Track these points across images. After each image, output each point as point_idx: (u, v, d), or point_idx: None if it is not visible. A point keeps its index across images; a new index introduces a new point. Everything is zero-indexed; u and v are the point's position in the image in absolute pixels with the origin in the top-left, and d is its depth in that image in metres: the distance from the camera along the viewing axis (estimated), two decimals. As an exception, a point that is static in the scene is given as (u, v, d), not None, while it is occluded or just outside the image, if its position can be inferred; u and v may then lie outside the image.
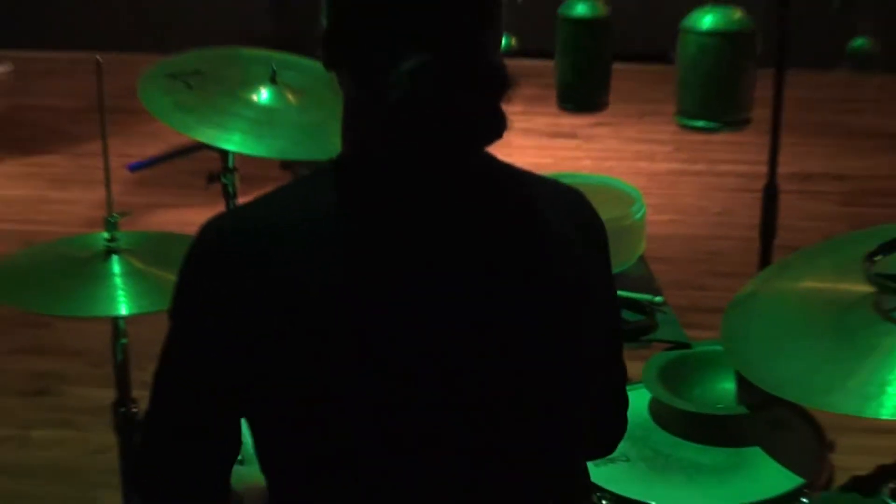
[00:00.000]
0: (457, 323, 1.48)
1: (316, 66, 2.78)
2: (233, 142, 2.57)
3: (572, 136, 5.50)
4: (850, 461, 2.37)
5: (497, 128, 1.46)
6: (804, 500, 2.07)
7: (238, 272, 1.44)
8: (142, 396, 2.50)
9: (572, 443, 1.62)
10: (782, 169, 2.72)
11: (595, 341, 1.62)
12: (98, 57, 2.40)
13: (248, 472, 1.71)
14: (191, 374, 1.50)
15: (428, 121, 1.43)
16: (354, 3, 1.49)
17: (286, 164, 4.09)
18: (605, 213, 1.69)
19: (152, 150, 2.78)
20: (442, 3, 1.46)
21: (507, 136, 1.49)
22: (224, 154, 2.68)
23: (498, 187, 1.56)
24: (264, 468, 1.55)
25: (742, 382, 2.28)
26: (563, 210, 1.60)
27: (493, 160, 1.55)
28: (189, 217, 4.18)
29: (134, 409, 2.57)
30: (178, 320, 1.49)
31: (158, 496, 1.60)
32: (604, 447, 1.82)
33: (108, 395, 2.63)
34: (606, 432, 1.79)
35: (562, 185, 1.65)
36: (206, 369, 1.48)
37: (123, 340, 2.53)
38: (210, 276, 1.47)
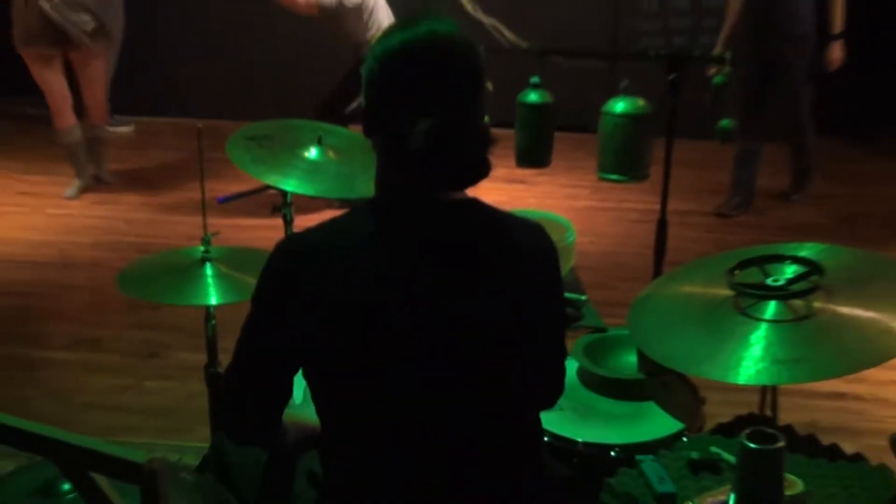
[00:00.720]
0: (449, 314, 1.49)
1: (348, 133, 2.82)
2: (290, 184, 2.56)
3: (522, 182, 5.54)
4: (716, 412, 2.39)
5: (485, 170, 1.48)
6: (684, 439, 2.07)
7: (292, 284, 1.48)
8: (224, 360, 2.51)
9: (527, 395, 1.62)
10: (668, 207, 2.73)
11: (546, 326, 1.63)
12: (199, 125, 2.41)
13: (295, 412, 1.71)
14: (258, 343, 1.53)
15: (437, 164, 1.45)
16: (382, 88, 1.50)
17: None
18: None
19: (234, 188, 2.76)
20: (444, 85, 1.47)
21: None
22: (284, 193, 2.66)
23: (483, 221, 1.57)
24: (316, 409, 1.57)
25: (641, 357, 2.28)
26: (528, 236, 1.60)
27: (480, 202, 1.56)
28: (259, 235, 4.22)
29: (219, 369, 2.56)
30: (254, 307, 1.53)
31: (232, 423, 1.65)
32: (549, 402, 1.81)
33: (200, 358, 2.62)
34: (552, 392, 1.80)
35: (527, 219, 1.64)
36: (268, 341, 1.52)
37: (213, 321, 2.51)
38: (275, 284, 1.51)
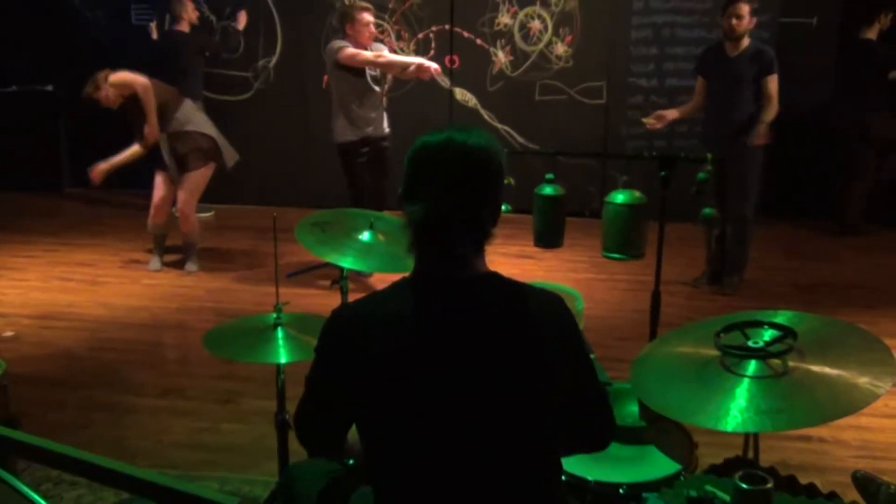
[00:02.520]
0: (472, 378, 1.46)
1: (395, 219, 2.80)
2: (347, 262, 2.55)
3: (532, 258, 5.51)
4: (707, 453, 2.31)
5: (467, 252, 1.50)
6: (682, 478, 2.00)
7: (341, 345, 1.50)
8: (292, 408, 2.46)
9: (550, 441, 1.55)
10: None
11: (574, 380, 1.56)
12: (274, 213, 2.41)
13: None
14: (319, 383, 1.56)
15: (427, 241, 1.49)
16: (405, 181, 1.52)
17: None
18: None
19: (300, 264, 2.75)
20: (447, 179, 1.48)
21: (494, 257, 1.51)
22: (341, 269, 2.65)
23: (503, 291, 1.54)
24: (362, 448, 1.56)
25: (643, 407, 2.21)
26: (543, 303, 1.56)
27: (500, 276, 1.54)
28: (321, 303, 4.13)
29: (287, 416, 2.50)
30: (315, 357, 1.56)
31: (301, 438, 1.65)
32: (601, 444, 1.70)
33: (267, 404, 2.59)
34: (602, 435, 1.69)
35: (542, 288, 1.60)
36: (323, 382, 1.55)
37: (282, 376, 2.47)
38: (328, 343, 1.53)
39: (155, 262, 5.44)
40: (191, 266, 5.42)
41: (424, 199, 1.46)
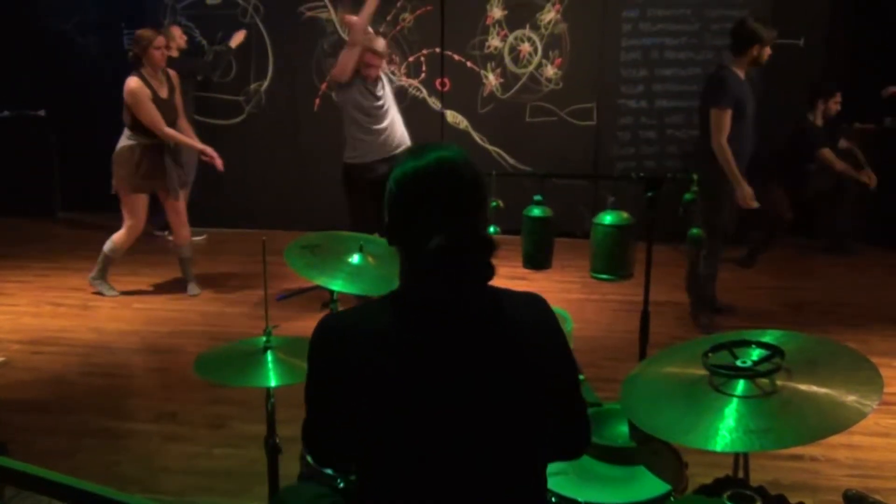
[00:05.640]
0: (460, 389, 1.46)
1: (384, 242, 2.80)
2: (337, 284, 2.55)
3: (523, 279, 5.47)
4: (697, 472, 2.31)
5: (489, 274, 1.47)
6: (672, 498, 2.00)
7: (326, 355, 1.51)
8: (282, 431, 2.47)
9: (536, 453, 1.56)
10: (641, 299, 2.69)
11: (552, 392, 1.56)
12: (263, 237, 2.40)
13: None
14: (315, 397, 1.56)
15: (447, 273, 1.44)
16: (399, 207, 1.50)
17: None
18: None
19: (290, 287, 2.74)
20: (450, 205, 1.47)
21: (485, 280, 1.50)
22: (331, 291, 2.65)
23: (486, 299, 1.53)
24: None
25: (632, 427, 2.21)
26: (527, 308, 1.58)
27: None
28: (311, 326, 4.10)
29: (277, 440, 2.49)
30: (308, 370, 1.56)
31: (311, 451, 1.65)
32: (575, 452, 1.70)
33: (259, 429, 2.57)
34: (577, 441, 1.69)
35: (526, 293, 1.62)
36: (320, 396, 1.55)
37: (272, 399, 2.46)
38: (315, 355, 1.54)
39: (111, 289, 5.43)
40: (194, 288, 5.44)
41: (432, 228, 1.43)
